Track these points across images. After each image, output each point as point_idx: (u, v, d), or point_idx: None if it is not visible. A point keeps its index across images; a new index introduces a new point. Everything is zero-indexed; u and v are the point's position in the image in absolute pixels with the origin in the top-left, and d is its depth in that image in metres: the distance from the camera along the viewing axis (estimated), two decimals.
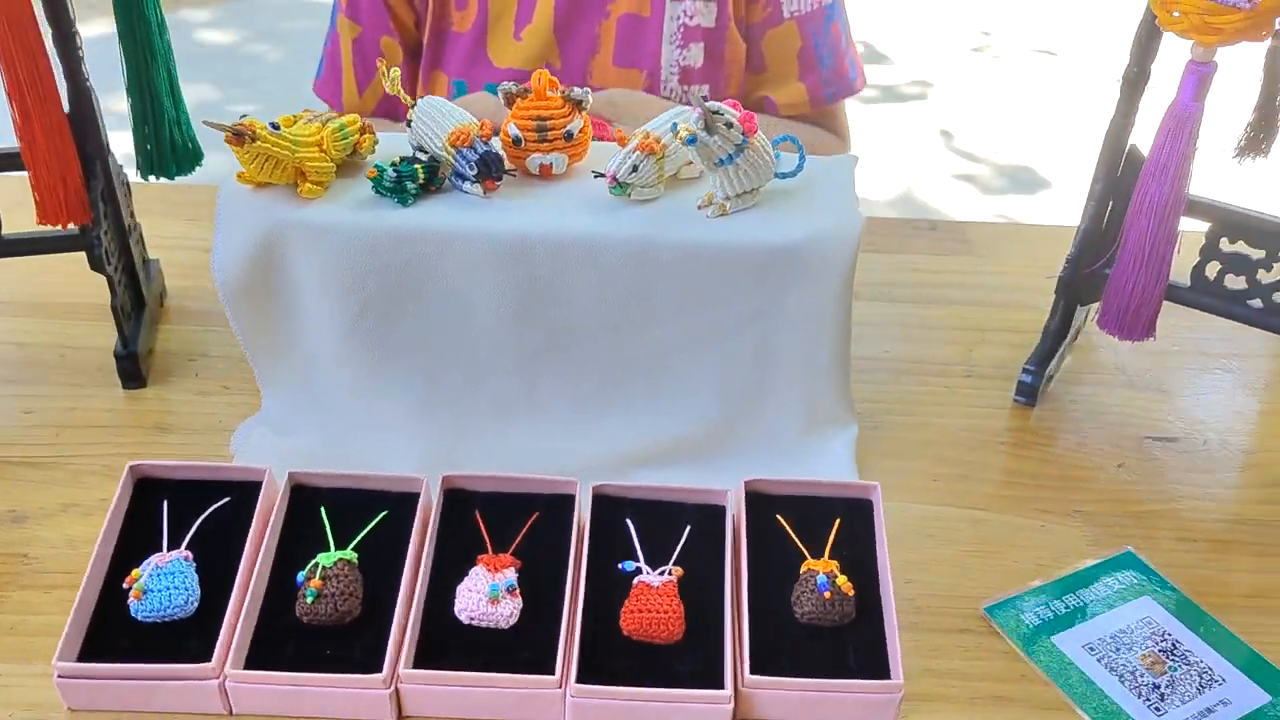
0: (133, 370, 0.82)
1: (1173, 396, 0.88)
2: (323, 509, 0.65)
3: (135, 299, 0.85)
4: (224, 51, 4.03)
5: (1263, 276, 0.79)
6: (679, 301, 0.74)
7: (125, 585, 0.61)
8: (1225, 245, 0.80)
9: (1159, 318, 0.80)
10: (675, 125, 0.71)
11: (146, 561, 0.62)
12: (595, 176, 0.73)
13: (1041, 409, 0.86)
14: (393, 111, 1.22)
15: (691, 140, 0.70)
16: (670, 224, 0.73)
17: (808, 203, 0.75)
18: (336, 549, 0.63)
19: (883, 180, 3.01)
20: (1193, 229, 0.79)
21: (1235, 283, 0.81)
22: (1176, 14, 0.69)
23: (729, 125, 0.70)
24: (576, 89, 0.76)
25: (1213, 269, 0.81)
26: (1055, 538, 0.75)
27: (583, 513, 0.66)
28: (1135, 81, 0.78)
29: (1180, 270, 0.81)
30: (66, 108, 0.76)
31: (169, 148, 0.79)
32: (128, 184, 0.87)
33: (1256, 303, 0.80)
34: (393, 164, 0.73)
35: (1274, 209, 0.80)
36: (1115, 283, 0.80)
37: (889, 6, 4.52)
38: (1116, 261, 0.79)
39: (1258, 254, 0.79)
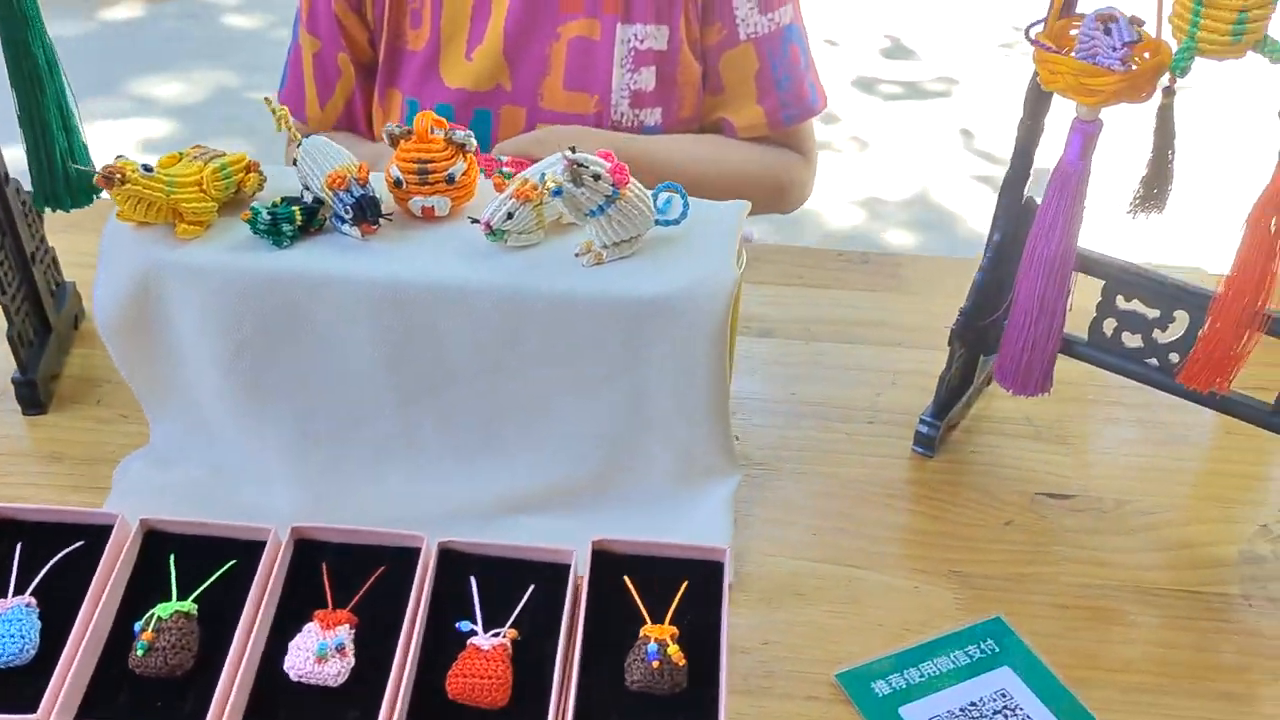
0: (31, 397, 0.83)
1: (1076, 450, 0.86)
2: (172, 556, 0.66)
3: (39, 325, 0.86)
4: (249, 36, 4.06)
5: (1159, 336, 0.77)
6: (552, 349, 0.73)
7: None
8: (1121, 302, 0.78)
9: (1075, 365, 0.80)
10: (544, 176, 0.70)
11: None
12: (471, 222, 0.73)
13: (940, 459, 0.85)
14: (354, 125, 1.22)
15: (557, 192, 0.69)
16: (544, 272, 0.72)
17: (686, 252, 0.74)
18: (179, 599, 0.63)
19: (898, 178, 2.97)
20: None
21: (1132, 340, 0.79)
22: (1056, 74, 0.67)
23: (596, 177, 0.69)
24: (459, 132, 0.76)
25: (1109, 325, 0.79)
26: (927, 599, 0.74)
27: (429, 569, 0.66)
28: (1029, 133, 0.76)
29: (1081, 324, 0.80)
30: None
31: (63, 181, 0.80)
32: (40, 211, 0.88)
33: (1153, 361, 0.78)
34: (271, 205, 0.73)
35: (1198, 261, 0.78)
36: (1008, 337, 0.79)
37: (917, 1, 4.45)
38: (1009, 316, 0.78)
39: (1153, 313, 0.77)
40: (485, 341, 0.73)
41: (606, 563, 0.67)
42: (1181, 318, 0.76)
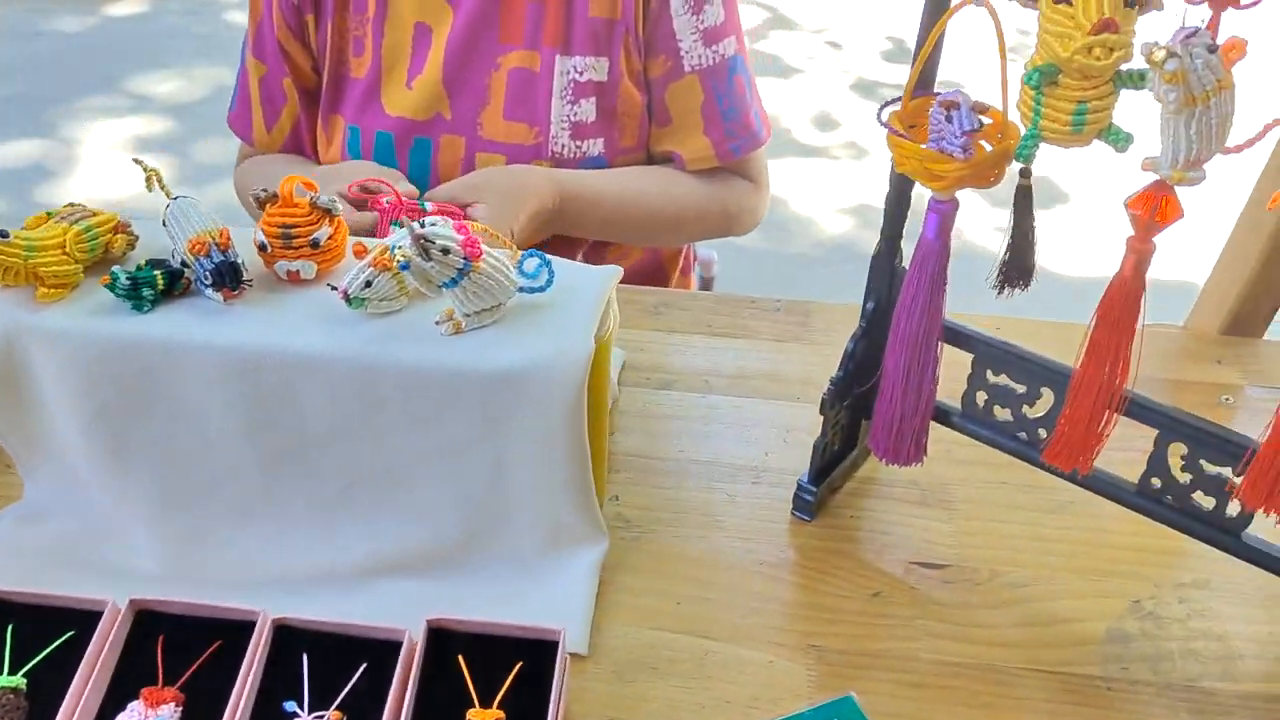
0: None
1: (958, 517, 0.85)
2: (10, 627, 0.66)
3: None
4: None
5: (1027, 411, 0.76)
6: (411, 417, 0.73)
7: None
8: (990, 376, 0.77)
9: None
10: (394, 250, 0.70)
11: None
12: (330, 289, 0.73)
13: (818, 524, 0.84)
14: (300, 148, 1.23)
15: (405, 266, 0.69)
16: (401, 341, 0.72)
17: (548, 322, 0.74)
18: (9, 673, 0.64)
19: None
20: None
21: (1003, 413, 0.78)
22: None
23: (446, 251, 0.69)
24: (324, 197, 0.76)
25: (981, 397, 0.78)
26: (781, 675, 0.73)
27: (261, 645, 0.67)
28: (896, 207, 0.75)
29: (958, 393, 0.79)
30: None
31: None
32: None
33: (1023, 435, 0.77)
34: (135, 269, 0.74)
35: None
36: (879, 407, 0.78)
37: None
38: (879, 387, 0.77)
39: (1020, 388, 0.76)
40: (343, 409, 0.73)
41: (443, 640, 0.67)
42: (1048, 395, 0.75)
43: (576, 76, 1.12)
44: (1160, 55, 0.55)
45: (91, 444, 0.76)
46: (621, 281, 1.23)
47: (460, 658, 0.66)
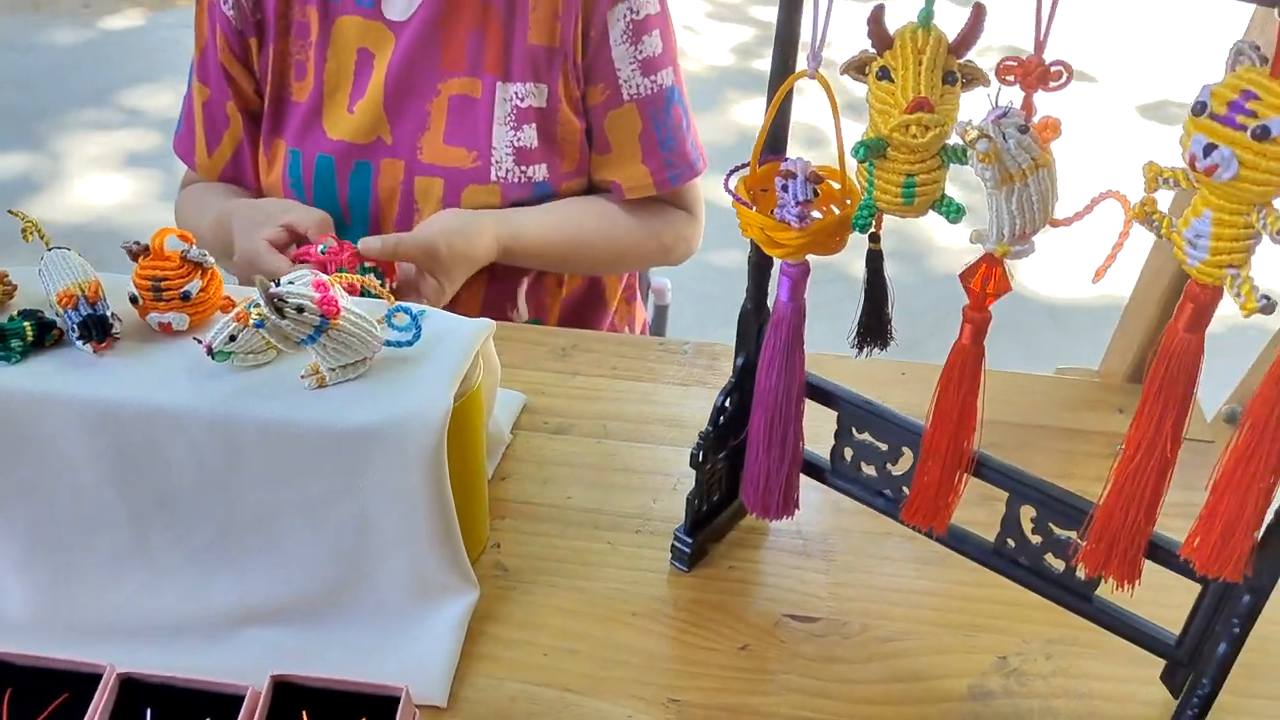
0: None
1: (837, 568, 0.85)
2: None
3: None
4: None
5: (891, 469, 0.77)
6: (273, 471, 0.74)
7: None
8: (855, 434, 0.78)
9: None
10: (250, 307, 0.71)
11: None
12: (197, 342, 0.74)
13: (696, 574, 0.85)
14: (239, 178, 1.25)
15: (260, 324, 0.70)
16: (261, 395, 0.73)
17: (411, 376, 0.75)
18: None
19: None
20: None
21: (869, 470, 0.78)
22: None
23: (300, 309, 0.70)
24: (195, 249, 0.77)
25: (849, 453, 0.79)
26: None
27: (104, 698, 0.67)
28: (758, 268, 0.75)
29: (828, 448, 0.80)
30: None
31: None
32: None
33: (887, 493, 0.78)
34: (7, 320, 0.75)
35: None
36: (748, 462, 0.79)
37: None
38: (747, 443, 0.78)
39: (883, 446, 0.76)
40: (206, 462, 0.74)
41: (289, 695, 0.68)
42: (908, 454, 0.75)
43: (518, 103, 1.14)
44: (972, 135, 0.56)
45: None
46: (558, 312, 1.26)
47: (304, 713, 0.67)
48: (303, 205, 1.15)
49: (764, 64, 4.08)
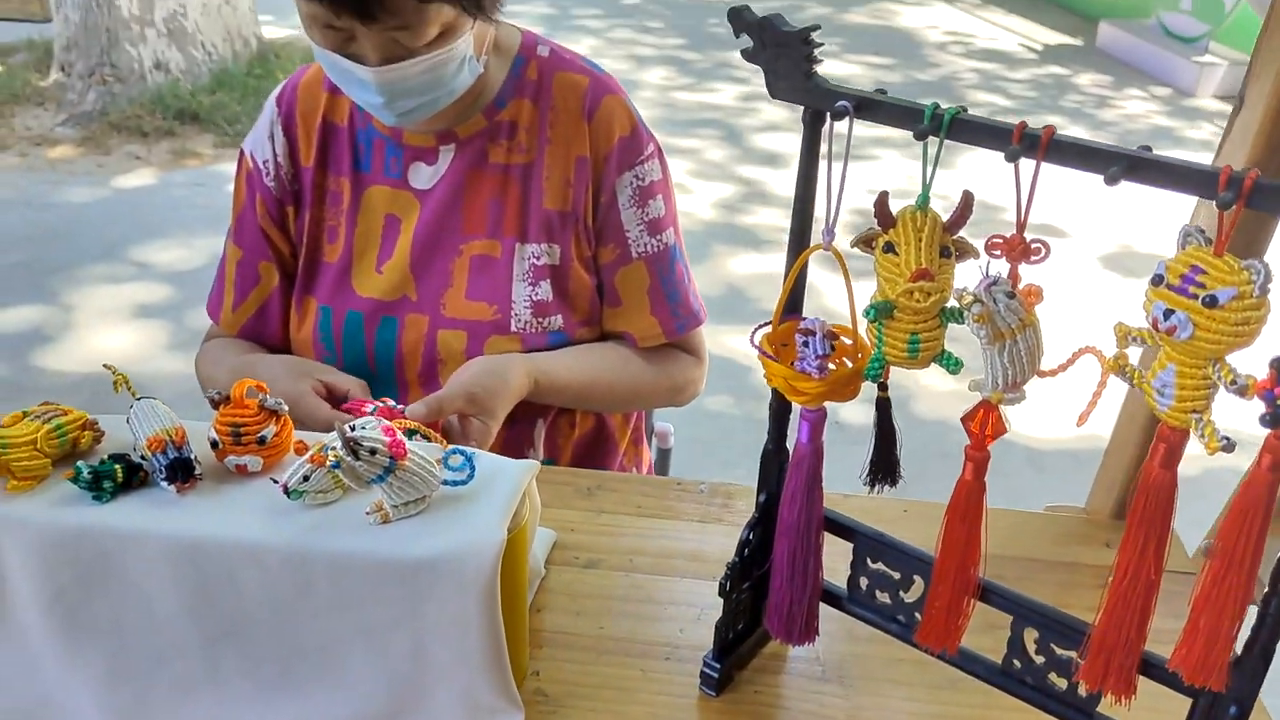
0: None
1: (854, 694, 0.91)
2: None
3: None
4: None
5: (904, 596, 0.84)
6: (340, 600, 0.81)
7: None
8: (870, 563, 0.85)
9: None
10: (327, 450, 0.79)
11: None
12: (273, 482, 0.82)
13: (723, 699, 0.91)
14: (260, 335, 1.33)
15: (336, 465, 0.78)
16: (332, 530, 0.80)
17: (467, 512, 0.82)
18: None
19: None
20: None
21: (883, 597, 0.85)
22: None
23: (373, 451, 0.78)
24: (270, 398, 0.85)
25: (864, 582, 0.86)
26: None
27: None
28: (778, 414, 0.84)
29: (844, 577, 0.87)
30: None
31: None
32: None
33: (901, 618, 0.85)
34: (98, 463, 0.82)
35: None
36: (772, 590, 0.86)
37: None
38: (771, 573, 0.85)
39: (895, 575, 0.84)
40: (278, 593, 0.81)
41: None
42: (919, 582, 0.83)
43: (534, 261, 1.24)
44: (968, 300, 0.66)
45: (47, 623, 0.83)
46: (570, 453, 1.34)
47: None
48: (335, 371, 1.22)
49: (749, 219, 4.28)
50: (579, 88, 1.24)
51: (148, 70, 5.08)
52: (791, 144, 5.20)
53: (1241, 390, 0.60)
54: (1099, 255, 4.03)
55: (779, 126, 5.47)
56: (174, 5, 5.12)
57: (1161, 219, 4.24)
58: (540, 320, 1.25)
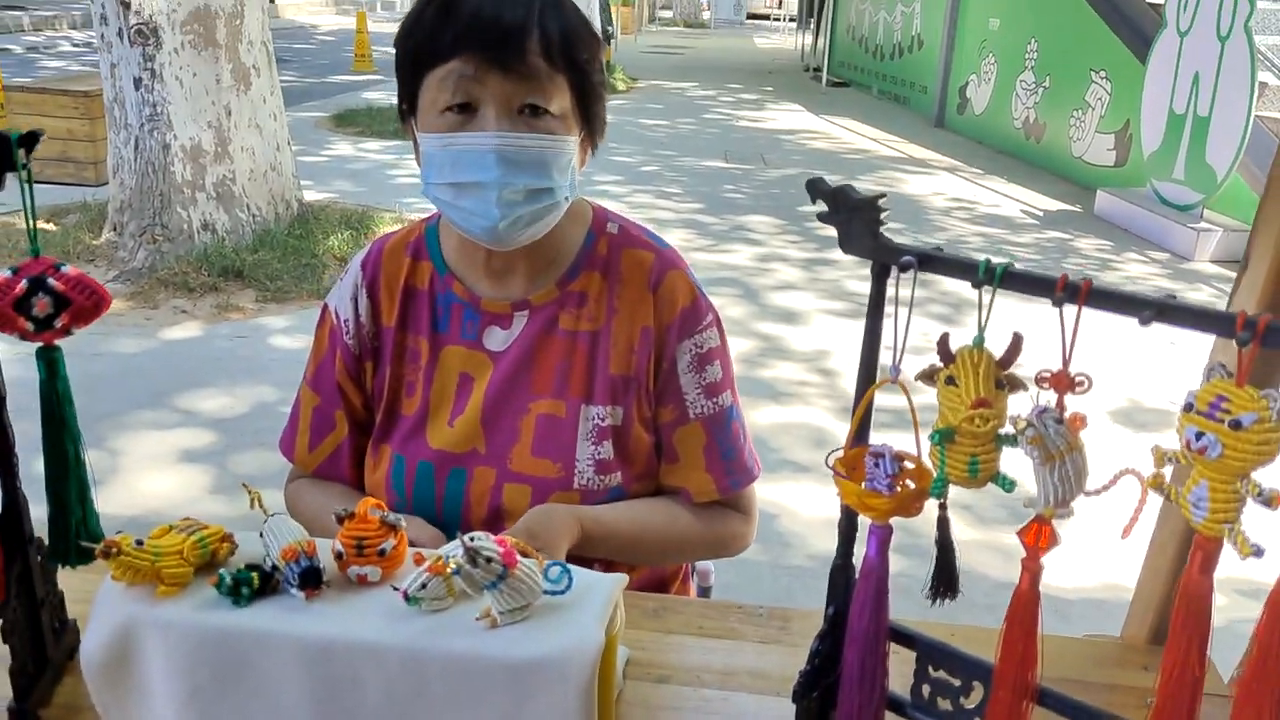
0: None
1: None
2: None
3: (38, 660, 1.03)
4: (290, 355, 4.43)
5: (964, 702, 0.92)
6: (451, 698, 0.89)
7: None
8: (932, 671, 0.93)
9: None
10: (448, 558, 0.89)
11: None
12: (393, 589, 0.91)
13: None
14: (332, 475, 1.42)
15: (457, 571, 0.87)
16: (446, 633, 0.89)
17: (566, 618, 0.91)
18: None
19: None
20: None
21: (944, 704, 0.93)
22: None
23: (489, 560, 0.87)
24: (392, 515, 0.95)
25: (926, 689, 0.93)
26: None
27: None
28: (847, 531, 0.94)
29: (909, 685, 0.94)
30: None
31: (74, 549, 0.99)
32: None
33: None
34: (236, 571, 0.92)
35: None
36: (841, 697, 0.93)
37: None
38: (840, 681, 0.93)
39: (956, 682, 0.91)
40: (396, 691, 0.89)
41: None
42: (979, 688, 0.90)
43: (598, 422, 1.33)
44: (1021, 425, 0.76)
45: (183, 718, 0.91)
46: (626, 589, 1.41)
47: None
48: (418, 520, 1.30)
49: (768, 372, 4.42)
50: (645, 263, 1.36)
51: (196, 230, 5.35)
52: (805, 302, 5.40)
53: (1267, 501, 0.70)
54: (1108, 410, 4.13)
55: (794, 286, 5.69)
56: (224, 171, 5.43)
57: (1165, 378, 4.37)
58: (601, 477, 1.32)
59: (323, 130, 9.67)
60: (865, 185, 8.50)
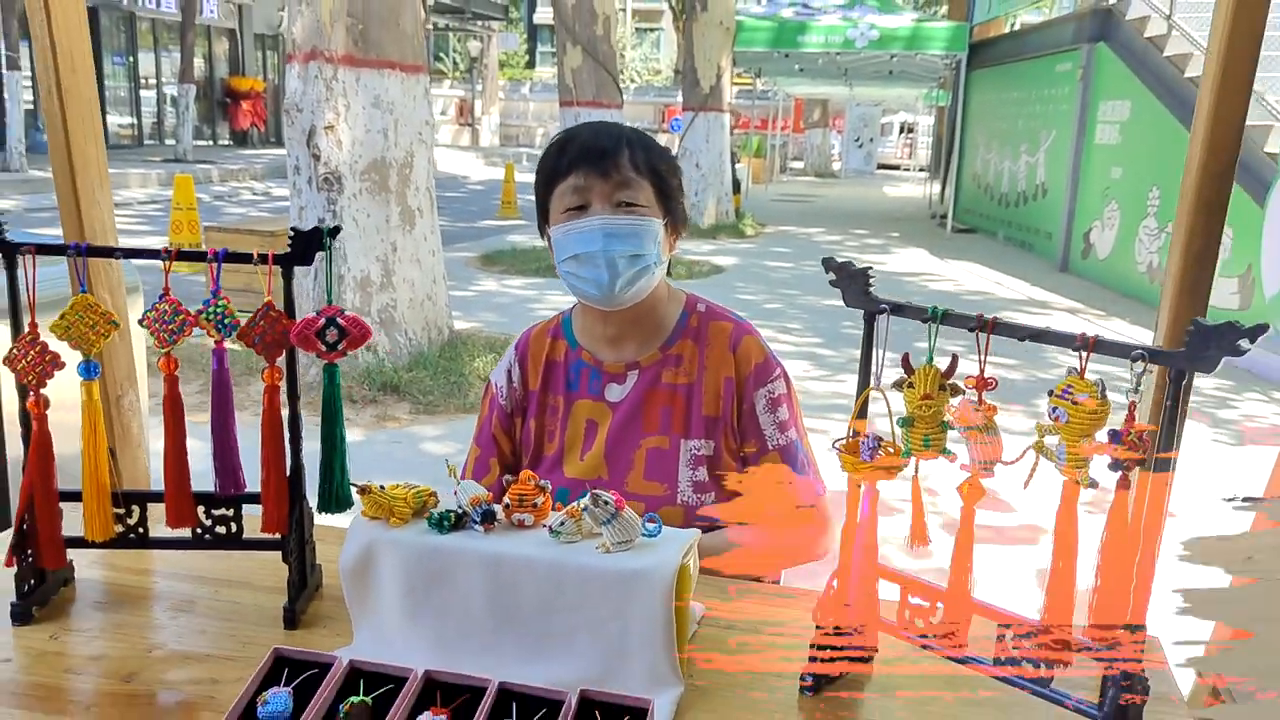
0: (290, 619, 1.46)
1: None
2: (360, 681, 1.24)
3: (300, 580, 1.51)
4: (440, 459, 4.98)
5: (932, 619, 1.30)
6: (578, 598, 1.32)
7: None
8: (910, 599, 1.32)
9: None
10: (580, 503, 1.34)
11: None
12: (543, 527, 1.36)
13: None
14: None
15: (585, 509, 1.32)
16: (575, 555, 1.33)
17: (655, 551, 1.34)
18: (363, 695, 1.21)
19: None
20: None
21: (919, 622, 1.31)
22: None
23: (606, 503, 1.32)
24: (543, 480, 1.41)
25: (907, 613, 1.32)
26: None
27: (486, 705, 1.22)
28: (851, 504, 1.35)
29: None
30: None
31: (335, 498, 1.48)
32: (312, 517, 1.56)
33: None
34: (442, 512, 1.39)
35: None
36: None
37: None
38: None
39: (927, 604, 1.30)
40: (542, 592, 1.33)
41: (587, 704, 1.22)
42: (939, 608, 1.29)
43: (695, 452, 1.78)
44: (950, 415, 1.18)
45: (400, 610, 1.37)
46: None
47: (596, 711, 1.20)
48: None
49: None
50: (726, 330, 1.83)
51: (360, 351, 6.05)
52: None
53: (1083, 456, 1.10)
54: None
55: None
56: (387, 299, 6.17)
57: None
58: (699, 496, 1.77)
59: (471, 268, 10.56)
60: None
